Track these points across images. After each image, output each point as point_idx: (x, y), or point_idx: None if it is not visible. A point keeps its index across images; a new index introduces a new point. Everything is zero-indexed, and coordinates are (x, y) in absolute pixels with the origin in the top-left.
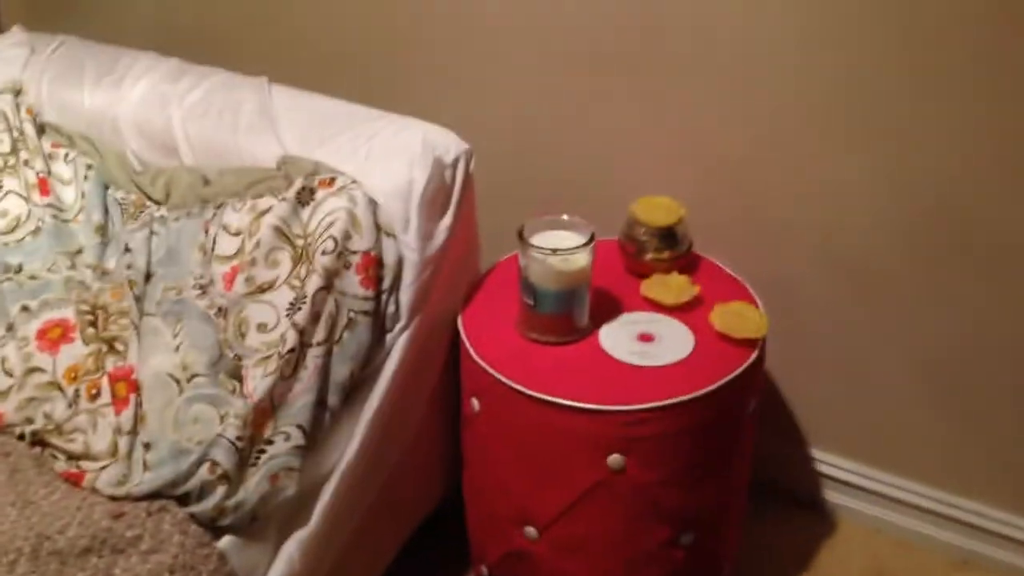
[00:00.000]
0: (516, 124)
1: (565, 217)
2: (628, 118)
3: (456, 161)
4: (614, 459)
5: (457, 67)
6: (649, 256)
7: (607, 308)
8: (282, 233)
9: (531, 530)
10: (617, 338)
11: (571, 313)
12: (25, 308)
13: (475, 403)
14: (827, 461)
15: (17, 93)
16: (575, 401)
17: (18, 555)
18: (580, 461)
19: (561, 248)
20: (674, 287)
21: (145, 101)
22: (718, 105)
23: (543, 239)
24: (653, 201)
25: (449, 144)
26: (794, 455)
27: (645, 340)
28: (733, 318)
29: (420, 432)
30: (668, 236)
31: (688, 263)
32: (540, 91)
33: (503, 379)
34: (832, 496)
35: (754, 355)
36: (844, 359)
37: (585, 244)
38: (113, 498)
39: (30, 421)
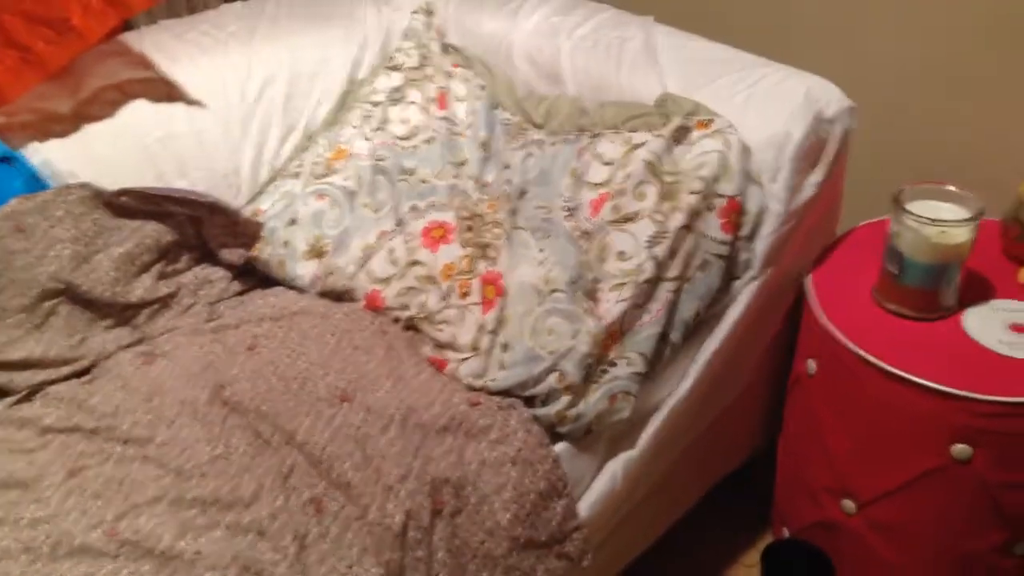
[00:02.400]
0: (902, 82)
1: (951, 188)
2: None
3: (837, 117)
4: (960, 449)
5: (843, 16)
6: None
7: (977, 290)
8: (653, 168)
9: (849, 503)
10: (985, 323)
11: (938, 289)
12: (414, 208)
13: (811, 365)
14: None
15: (429, 14)
16: (928, 380)
17: (390, 421)
18: (920, 444)
19: (941, 219)
20: None
21: (538, 30)
22: None
23: (921, 207)
24: None
25: (832, 98)
26: None
27: (1018, 331)
28: None
29: (747, 384)
30: None
31: None
32: (932, 50)
33: (851, 345)
34: None
35: None
36: None
37: (971, 219)
38: (471, 388)
39: (406, 308)
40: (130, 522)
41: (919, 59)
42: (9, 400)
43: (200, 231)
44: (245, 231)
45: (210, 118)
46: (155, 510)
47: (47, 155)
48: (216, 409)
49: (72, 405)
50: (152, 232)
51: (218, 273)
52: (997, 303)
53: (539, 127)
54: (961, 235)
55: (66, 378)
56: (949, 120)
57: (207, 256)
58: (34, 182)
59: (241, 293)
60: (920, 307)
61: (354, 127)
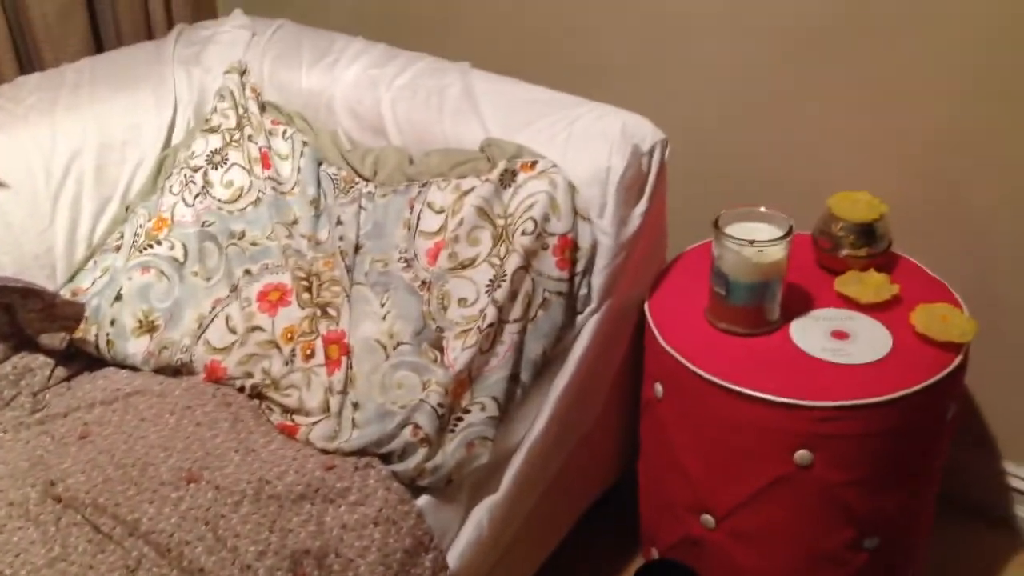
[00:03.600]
0: (708, 113)
1: (763, 209)
2: (827, 110)
3: (652, 149)
4: (801, 455)
5: (651, 54)
6: (845, 252)
7: (799, 303)
8: (484, 213)
9: (708, 518)
10: (809, 333)
11: (763, 305)
12: (247, 272)
13: (658, 388)
14: (1021, 476)
15: (242, 73)
16: (766, 393)
17: (242, 496)
18: (765, 454)
19: (758, 240)
20: (871, 285)
21: (357, 83)
22: (921, 96)
23: (738, 230)
24: (852, 196)
25: (646, 132)
26: (985, 468)
27: (839, 337)
28: (936, 320)
29: (601, 414)
30: (867, 232)
31: (886, 261)
32: (735, 80)
33: (691, 367)
34: None
35: (957, 360)
36: None
37: (783, 237)
38: (324, 451)
39: (250, 375)
40: None
41: (723, 89)
42: None
43: (13, 318)
44: (64, 313)
45: (14, 198)
46: None
47: None
48: (49, 507)
49: None
50: None
51: (39, 360)
52: (818, 312)
53: (367, 180)
54: (777, 252)
55: None
56: (757, 143)
57: (25, 343)
58: None
59: (68, 379)
60: (749, 324)
61: (174, 194)
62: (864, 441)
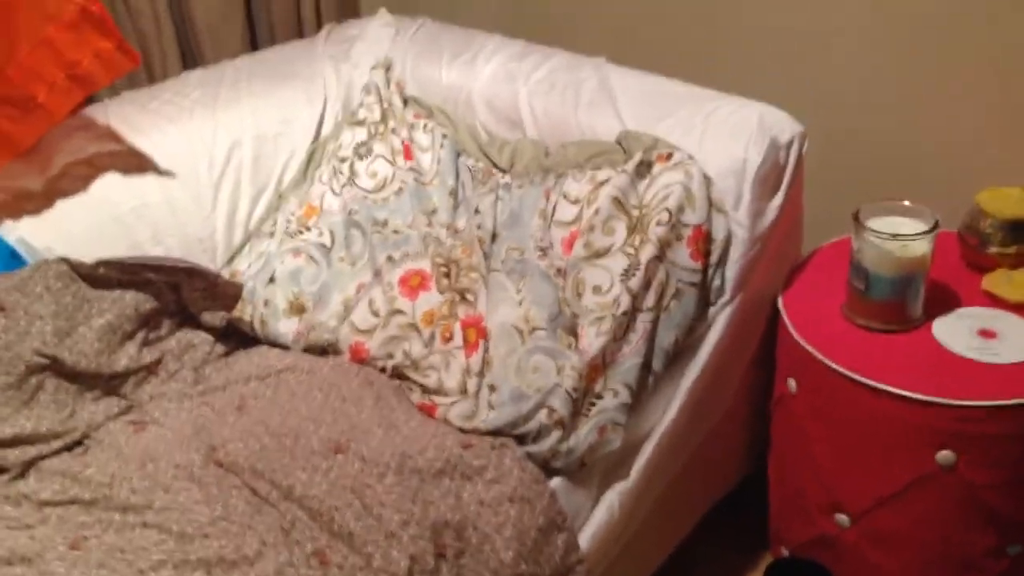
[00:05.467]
0: (848, 104)
1: (906, 203)
2: (974, 101)
3: (791, 142)
4: (944, 455)
5: (792, 43)
6: (993, 249)
7: (942, 300)
8: (619, 203)
9: (843, 517)
10: (953, 331)
11: (904, 301)
12: (390, 258)
13: (792, 384)
14: None
15: (387, 69)
16: (908, 391)
17: (386, 469)
18: (906, 454)
19: (901, 234)
20: (1020, 284)
21: (495, 78)
22: None
23: (880, 224)
24: (1002, 192)
25: (784, 124)
26: None
27: (986, 336)
28: None
29: (730, 407)
30: (1017, 229)
31: None
32: (877, 69)
33: (828, 362)
34: None
35: None
36: None
37: (928, 231)
38: (462, 430)
39: (391, 356)
40: None
41: (865, 79)
42: (3, 478)
43: (180, 297)
44: (225, 293)
45: (180, 185)
46: (161, 574)
47: (22, 232)
48: (211, 471)
49: (67, 478)
50: (132, 301)
51: (200, 337)
52: (963, 311)
53: (504, 171)
54: (921, 247)
55: (58, 452)
56: (899, 136)
57: (188, 321)
58: (12, 260)
59: (225, 355)
60: (889, 319)
61: (323, 183)
62: (1012, 443)
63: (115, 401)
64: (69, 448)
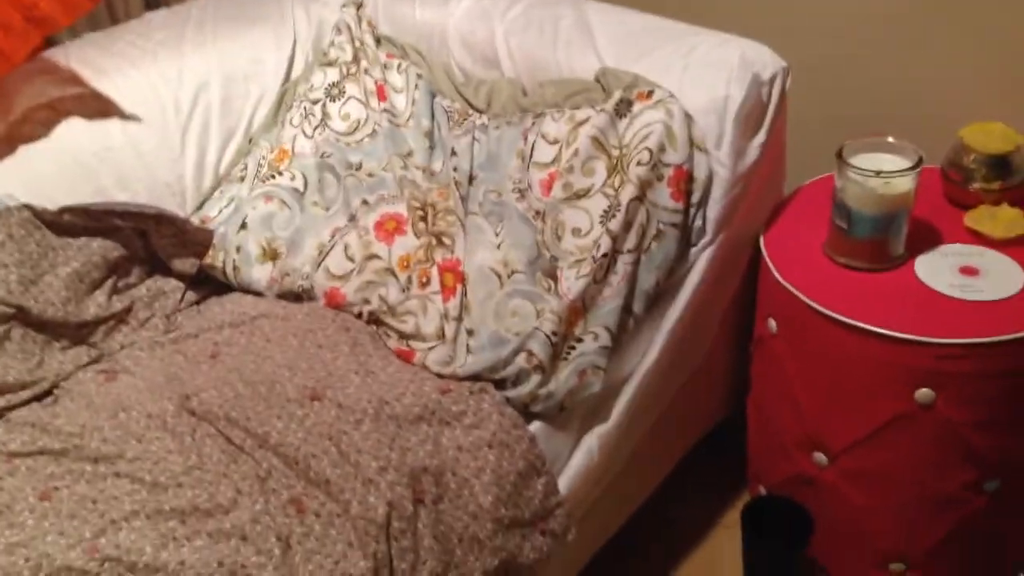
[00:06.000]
0: (830, 39)
1: (890, 139)
2: (958, 36)
3: (773, 78)
4: (923, 393)
5: None
6: (976, 186)
7: (925, 238)
8: (599, 143)
9: (821, 456)
10: (935, 269)
11: (887, 239)
12: (365, 202)
13: (772, 324)
14: None
15: (359, 7)
16: (887, 329)
17: (363, 415)
18: (884, 392)
19: (884, 171)
20: (1004, 220)
21: (470, 15)
22: None
23: (863, 161)
24: (986, 127)
25: (767, 60)
26: None
27: (968, 274)
28: None
29: (710, 349)
30: (1001, 165)
31: (1020, 195)
32: (865, 3)
33: (808, 301)
34: None
35: None
36: None
37: (912, 168)
38: (440, 376)
39: (367, 302)
40: (109, 538)
41: (847, 13)
42: None
43: (148, 243)
44: (195, 239)
45: (146, 130)
46: (133, 524)
47: None
48: (185, 420)
49: (36, 428)
50: (99, 248)
51: (171, 284)
52: (945, 248)
53: (481, 112)
54: (905, 184)
55: (27, 402)
56: (882, 72)
57: (158, 268)
58: None
59: (197, 302)
60: (871, 258)
61: (294, 126)
62: (991, 381)
63: (84, 350)
64: (38, 398)
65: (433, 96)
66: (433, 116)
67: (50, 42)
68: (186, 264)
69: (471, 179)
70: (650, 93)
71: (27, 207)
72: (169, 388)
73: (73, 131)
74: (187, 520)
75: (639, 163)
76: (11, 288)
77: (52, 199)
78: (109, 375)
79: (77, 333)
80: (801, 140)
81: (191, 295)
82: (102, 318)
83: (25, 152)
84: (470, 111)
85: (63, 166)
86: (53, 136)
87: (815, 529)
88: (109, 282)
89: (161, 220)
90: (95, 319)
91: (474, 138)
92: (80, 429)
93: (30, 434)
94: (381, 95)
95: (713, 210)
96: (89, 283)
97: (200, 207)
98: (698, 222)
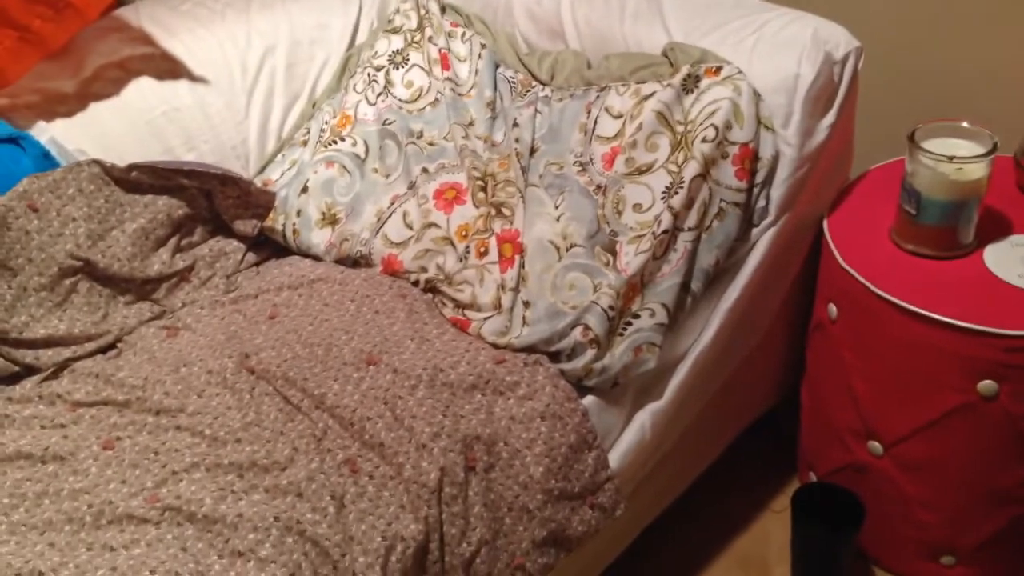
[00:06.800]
0: (906, 20)
1: (965, 124)
2: None
3: (846, 57)
4: (986, 385)
5: None
6: None
7: (996, 227)
8: (664, 118)
9: (876, 445)
10: (1005, 260)
11: (956, 227)
12: (425, 170)
13: (832, 309)
14: None
15: None
16: (952, 318)
17: (418, 381)
18: (946, 382)
19: (958, 156)
20: None
21: None
22: None
23: (935, 145)
24: None
25: (840, 39)
26: None
27: None
28: None
29: (768, 331)
30: None
31: None
32: None
33: (871, 287)
34: None
35: None
36: None
37: (986, 154)
38: (495, 346)
39: (424, 270)
40: (170, 489)
41: None
42: (37, 378)
43: (212, 204)
44: (257, 201)
45: (213, 90)
46: (193, 476)
47: (54, 134)
48: (244, 377)
49: (100, 380)
50: (164, 207)
51: (233, 244)
52: (1016, 238)
53: (544, 83)
54: (978, 171)
55: (91, 354)
56: (957, 55)
57: (221, 228)
58: (44, 161)
59: (257, 264)
60: (939, 245)
61: (358, 92)
62: None
63: (147, 306)
64: (103, 351)
65: (496, 66)
66: (496, 86)
67: (122, 1)
68: (247, 226)
69: (532, 151)
70: (718, 69)
71: (97, 162)
72: (229, 346)
73: (142, 91)
74: (245, 475)
75: (704, 140)
76: (80, 242)
77: (121, 156)
78: (171, 331)
79: (141, 289)
80: (870, 122)
81: (251, 256)
82: (165, 275)
83: (96, 109)
84: (533, 82)
85: (132, 124)
86: (123, 94)
87: (866, 517)
88: (173, 240)
89: (226, 181)
90: (159, 276)
91: (536, 110)
92: (143, 382)
93: (94, 385)
94: (444, 64)
95: (777, 191)
96: (154, 240)
97: (262, 170)
98: (761, 202)
